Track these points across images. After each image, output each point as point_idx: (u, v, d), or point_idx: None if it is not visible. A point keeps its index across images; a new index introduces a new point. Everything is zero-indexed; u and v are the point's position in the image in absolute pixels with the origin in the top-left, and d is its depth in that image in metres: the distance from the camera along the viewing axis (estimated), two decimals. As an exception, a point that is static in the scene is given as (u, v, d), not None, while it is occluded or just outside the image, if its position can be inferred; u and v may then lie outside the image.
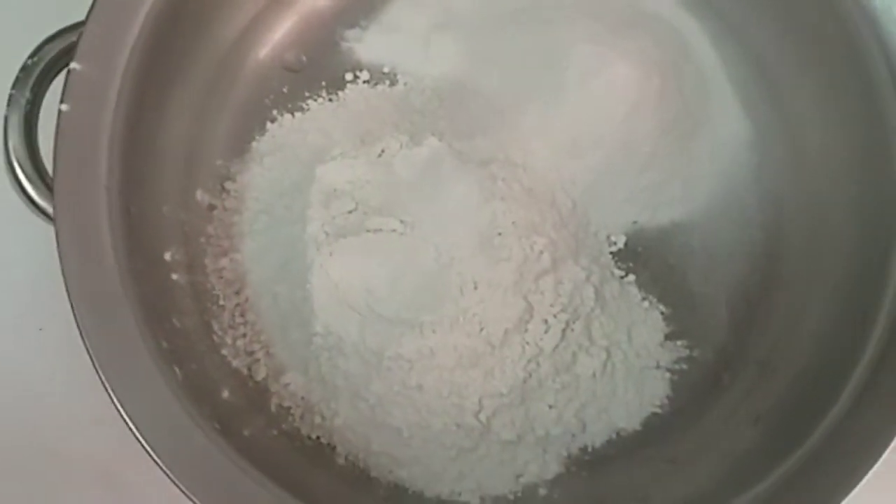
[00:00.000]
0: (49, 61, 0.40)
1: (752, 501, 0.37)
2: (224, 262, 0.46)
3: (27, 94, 0.40)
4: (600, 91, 0.46)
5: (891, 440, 0.35)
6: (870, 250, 0.40)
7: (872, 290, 0.39)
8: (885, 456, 0.35)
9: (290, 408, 0.44)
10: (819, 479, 0.36)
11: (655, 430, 0.45)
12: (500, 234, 0.42)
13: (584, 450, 0.45)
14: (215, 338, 0.45)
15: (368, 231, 0.42)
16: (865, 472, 0.34)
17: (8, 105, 0.40)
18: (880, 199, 0.40)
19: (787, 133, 0.47)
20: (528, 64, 0.48)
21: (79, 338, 0.37)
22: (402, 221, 0.42)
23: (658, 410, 0.45)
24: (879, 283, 0.38)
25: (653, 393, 0.45)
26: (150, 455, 0.36)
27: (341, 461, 0.44)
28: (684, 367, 0.46)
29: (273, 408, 0.44)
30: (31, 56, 0.40)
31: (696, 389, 0.45)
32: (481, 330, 0.42)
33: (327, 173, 0.44)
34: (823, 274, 0.43)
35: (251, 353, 0.45)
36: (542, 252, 0.43)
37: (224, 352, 0.45)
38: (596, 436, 0.45)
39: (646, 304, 0.46)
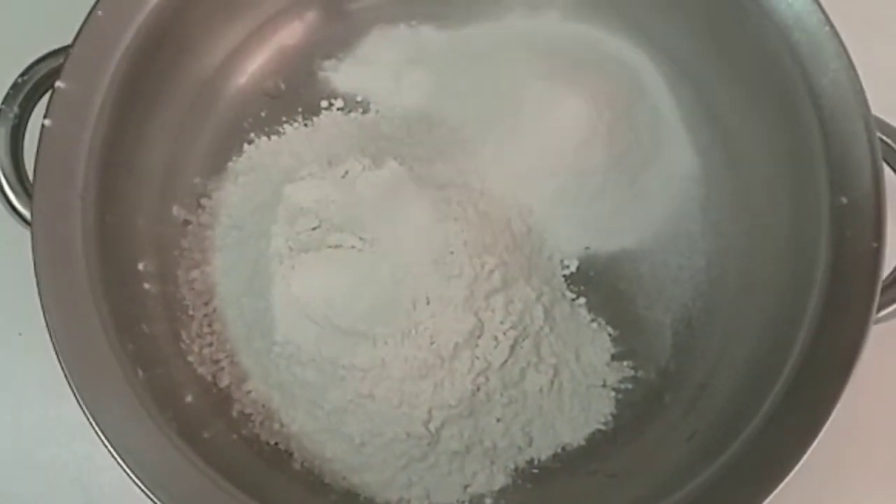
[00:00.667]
0: (38, 80, 0.43)
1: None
2: (195, 273, 0.48)
3: (15, 109, 0.43)
4: (554, 124, 0.49)
5: (804, 452, 0.37)
6: (796, 280, 0.42)
7: (794, 317, 0.41)
8: (798, 467, 0.37)
9: (251, 414, 0.46)
10: (735, 488, 0.38)
11: (599, 446, 0.47)
12: (451, 252, 0.44)
13: (530, 462, 0.46)
14: (183, 345, 0.47)
15: (329, 247, 0.45)
16: (778, 483, 0.36)
17: (-3, 119, 0.43)
18: (807, 232, 0.42)
19: (733, 170, 0.50)
20: (490, 98, 0.51)
21: (58, 343, 0.39)
22: (361, 238, 0.45)
23: (602, 427, 0.47)
24: (800, 311, 0.41)
25: (598, 410, 0.47)
26: (106, 447, 0.38)
27: (297, 467, 0.46)
28: (629, 386, 0.48)
29: (235, 413, 0.46)
30: (22, 75, 0.43)
31: (638, 408, 0.47)
32: (432, 343, 0.44)
33: (295, 192, 0.47)
34: (756, 301, 0.46)
35: (216, 362, 0.47)
36: (492, 271, 0.45)
37: (190, 359, 0.47)
38: (542, 449, 0.46)
39: (595, 325, 0.48)
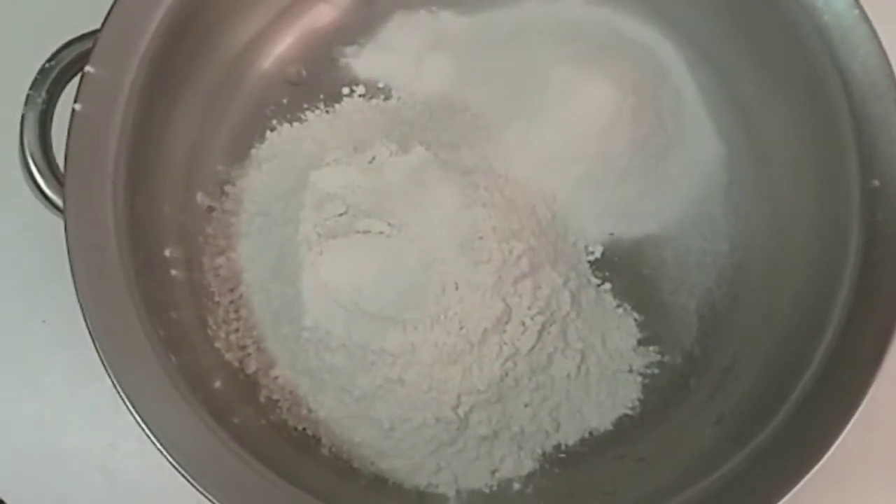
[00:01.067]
0: (65, 65, 0.43)
1: (705, 492, 0.39)
2: (221, 260, 0.48)
3: (43, 94, 0.43)
4: (578, 109, 0.49)
5: (835, 439, 0.37)
6: (825, 265, 0.43)
7: (824, 302, 0.41)
8: (829, 453, 0.37)
9: (278, 400, 0.47)
10: (766, 474, 0.38)
11: (626, 430, 0.47)
12: (480, 238, 0.45)
13: (557, 447, 0.47)
14: (209, 332, 0.47)
15: (357, 232, 0.45)
16: (809, 469, 0.37)
17: (25, 104, 0.42)
18: (836, 216, 0.43)
19: (757, 153, 0.50)
20: (513, 83, 0.51)
21: (80, 330, 0.39)
22: (389, 224, 0.45)
23: (629, 412, 0.47)
24: (831, 296, 0.41)
25: (624, 395, 0.48)
26: (143, 430, 0.38)
27: (326, 452, 0.46)
28: (655, 371, 0.48)
29: (262, 399, 0.46)
30: (49, 60, 0.43)
31: (664, 392, 0.47)
32: (461, 328, 0.44)
33: (321, 178, 0.47)
34: (783, 286, 0.46)
35: (243, 348, 0.47)
36: (520, 257, 0.45)
37: (217, 345, 0.47)
38: (569, 434, 0.47)
39: (620, 310, 0.49)
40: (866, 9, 0.43)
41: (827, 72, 0.43)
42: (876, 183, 0.41)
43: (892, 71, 0.42)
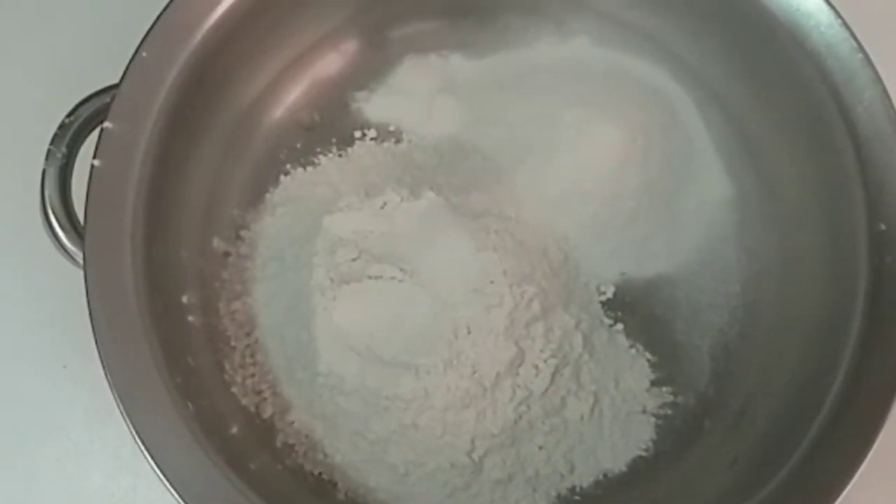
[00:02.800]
0: (84, 120, 0.44)
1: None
2: (237, 305, 0.49)
3: (63, 149, 0.44)
4: (588, 151, 0.49)
5: (850, 480, 0.37)
6: (835, 306, 0.43)
7: (835, 343, 0.41)
8: (845, 493, 0.37)
9: (294, 445, 0.47)
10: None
11: (640, 472, 0.47)
12: (491, 281, 0.45)
13: (572, 490, 0.47)
14: (226, 377, 0.47)
15: (370, 278, 0.45)
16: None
17: (46, 159, 0.44)
18: (845, 258, 0.43)
19: (766, 194, 0.50)
20: (522, 126, 0.52)
21: (100, 375, 0.40)
22: (401, 269, 0.45)
23: (643, 453, 0.47)
24: (841, 337, 0.41)
25: (638, 436, 0.48)
26: (160, 478, 0.39)
27: (342, 497, 0.46)
28: (668, 412, 0.48)
29: (279, 444, 0.47)
30: (69, 115, 0.44)
31: (679, 434, 0.47)
32: (474, 372, 0.44)
33: (334, 223, 0.47)
34: (794, 327, 0.46)
35: (259, 392, 0.48)
36: (532, 300, 0.45)
37: (234, 390, 0.47)
38: (583, 476, 0.47)
39: (633, 351, 0.49)
40: (870, 52, 0.43)
41: (832, 115, 0.43)
42: (882, 227, 0.41)
43: (895, 115, 0.42)
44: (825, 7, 0.44)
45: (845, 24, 0.43)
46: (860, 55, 0.43)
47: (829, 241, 0.45)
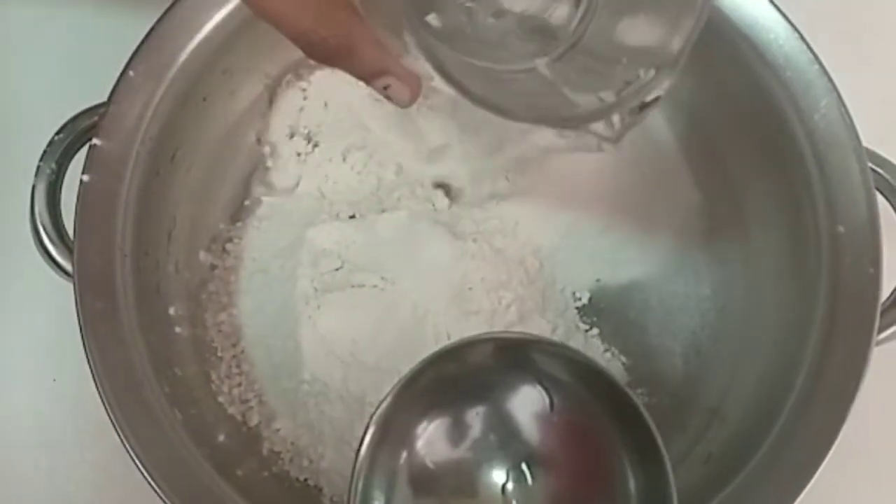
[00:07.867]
0: (73, 137, 0.45)
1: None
2: (223, 316, 0.50)
3: (53, 165, 0.45)
4: (562, 163, 0.51)
5: (815, 472, 0.39)
6: (800, 304, 0.45)
7: (801, 339, 0.43)
8: (807, 489, 0.39)
9: (280, 452, 0.48)
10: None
11: (617, 472, 0.48)
12: (470, 288, 0.47)
13: (550, 489, 0.48)
14: (213, 386, 0.48)
15: (353, 286, 0.47)
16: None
17: (36, 175, 0.45)
18: (808, 257, 0.45)
19: (733, 200, 0.52)
20: (499, 140, 0.53)
21: (90, 388, 0.41)
22: (382, 278, 0.47)
23: (619, 454, 0.49)
24: (804, 338, 0.43)
25: (615, 437, 0.49)
26: (153, 488, 0.40)
27: (328, 502, 0.47)
28: (643, 413, 0.49)
29: (265, 451, 0.48)
30: (58, 132, 0.45)
31: (654, 434, 0.49)
32: (454, 377, 0.46)
33: (317, 235, 0.49)
34: (761, 327, 0.48)
35: (245, 401, 0.49)
36: (509, 306, 0.47)
37: (221, 399, 0.48)
38: (562, 476, 0.48)
39: (608, 354, 0.50)
40: (825, 61, 0.45)
41: (792, 123, 0.45)
42: (841, 229, 0.43)
43: (851, 122, 0.44)
44: (783, 21, 0.46)
45: (802, 37, 0.45)
46: (816, 66, 0.45)
47: (792, 244, 0.47)
